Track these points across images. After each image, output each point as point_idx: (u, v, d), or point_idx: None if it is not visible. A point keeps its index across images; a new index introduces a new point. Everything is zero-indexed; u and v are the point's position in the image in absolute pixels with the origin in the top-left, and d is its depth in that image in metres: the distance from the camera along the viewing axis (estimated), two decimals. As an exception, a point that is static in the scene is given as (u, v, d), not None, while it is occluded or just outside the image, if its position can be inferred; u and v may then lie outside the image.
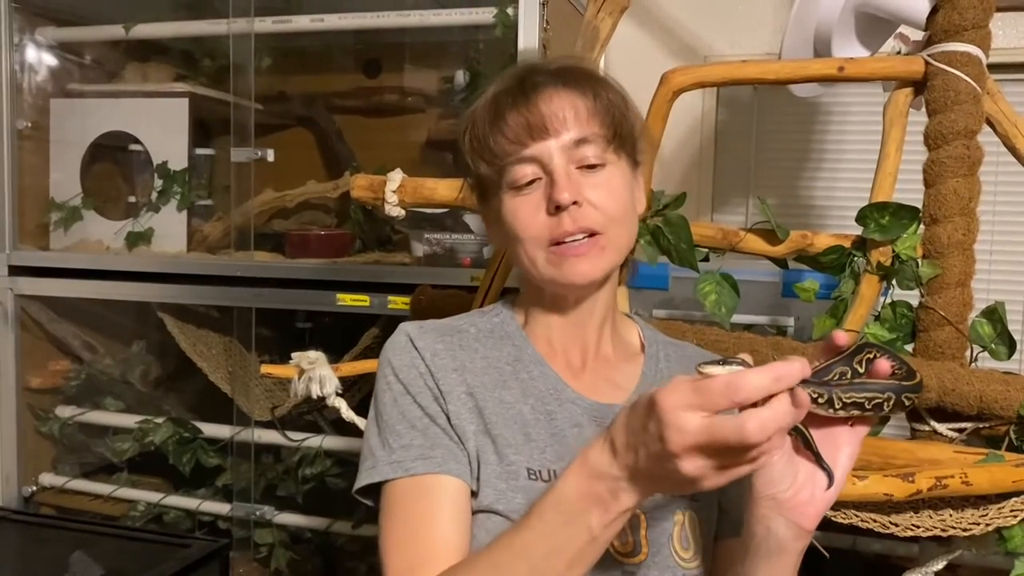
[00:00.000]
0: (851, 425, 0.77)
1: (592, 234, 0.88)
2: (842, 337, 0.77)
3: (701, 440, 0.63)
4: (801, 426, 0.75)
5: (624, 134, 0.91)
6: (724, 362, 0.68)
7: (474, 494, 0.88)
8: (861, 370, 0.78)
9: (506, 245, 0.95)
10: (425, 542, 0.83)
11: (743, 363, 0.67)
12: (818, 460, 0.76)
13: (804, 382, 0.69)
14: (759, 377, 0.63)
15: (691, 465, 0.64)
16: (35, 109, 2.36)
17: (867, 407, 0.75)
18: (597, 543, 0.71)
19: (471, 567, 0.78)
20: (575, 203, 0.87)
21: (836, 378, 0.76)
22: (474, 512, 0.87)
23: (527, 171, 0.89)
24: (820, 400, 0.73)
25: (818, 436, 0.76)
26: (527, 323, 0.99)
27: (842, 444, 0.77)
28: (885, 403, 0.75)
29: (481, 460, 0.88)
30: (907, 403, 0.76)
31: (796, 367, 0.64)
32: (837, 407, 0.74)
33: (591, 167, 0.89)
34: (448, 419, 0.89)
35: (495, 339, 0.97)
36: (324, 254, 2.18)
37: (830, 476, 0.76)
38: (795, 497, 0.76)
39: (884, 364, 0.78)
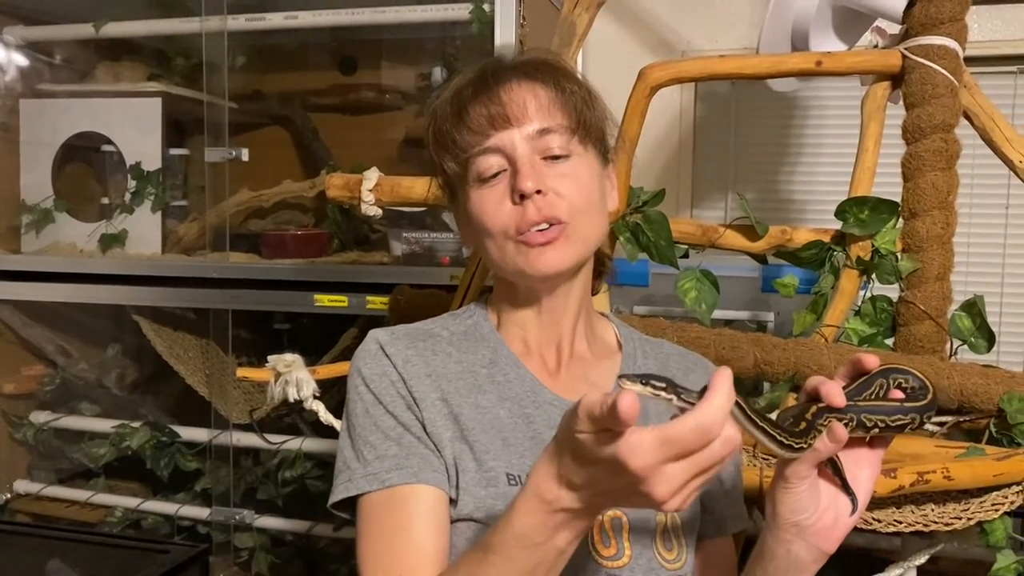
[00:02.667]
0: (871, 447, 0.78)
1: (558, 223, 0.87)
2: (872, 360, 0.78)
3: (689, 474, 0.61)
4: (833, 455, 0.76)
5: (589, 125, 0.90)
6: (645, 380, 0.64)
7: (453, 502, 0.86)
8: (883, 392, 0.79)
9: (476, 243, 0.94)
10: (402, 554, 0.82)
11: (657, 384, 0.63)
12: (845, 487, 0.77)
13: (832, 410, 0.73)
14: (718, 400, 0.60)
15: (677, 501, 0.62)
16: (4, 110, 2.33)
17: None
18: (565, 555, 0.70)
19: None
20: (539, 192, 0.86)
21: (873, 396, 0.78)
22: (453, 521, 0.86)
23: (492, 162, 0.88)
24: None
25: (842, 458, 0.77)
26: (501, 323, 0.97)
27: (863, 466, 0.78)
28: (848, 423, 0.75)
29: (459, 467, 0.86)
30: (869, 424, 0.75)
31: (728, 371, 0.61)
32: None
33: (556, 157, 0.88)
34: (423, 427, 0.88)
35: (469, 342, 0.95)
36: (301, 254, 2.15)
37: (854, 502, 0.77)
38: (818, 523, 0.78)
39: (896, 392, 0.79)
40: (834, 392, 0.74)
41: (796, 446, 0.71)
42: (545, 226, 0.86)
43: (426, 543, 0.82)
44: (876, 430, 0.76)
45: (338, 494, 0.87)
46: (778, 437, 0.70)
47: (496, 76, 0.89)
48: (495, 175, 0.88)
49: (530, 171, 0.86)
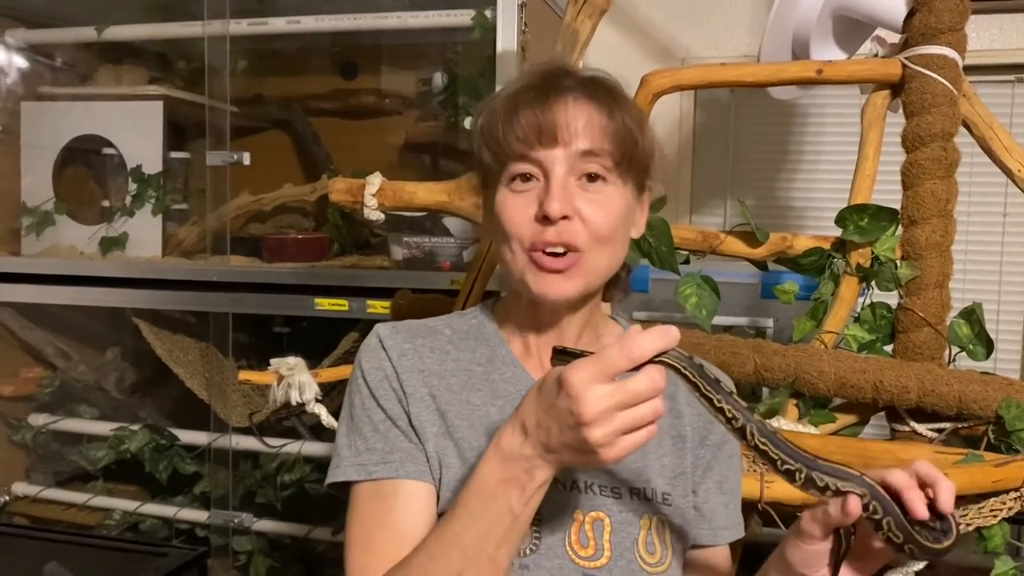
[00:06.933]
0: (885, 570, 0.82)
1: (574, 250, 0.88)
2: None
3: (613, 401, 0.69)
4: (843, 532, 0.77)
5: (634, 159, 0.90)
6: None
7: (437, 497, 0.89)
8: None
9: (493, 237, 0.95)
10: (382, 541, 0.85)
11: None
12: (835, 566, 0.78)
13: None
14: (645, 337, 0.71)
15: (599, 432, 0.69)
16: (5, 112, 2.33)
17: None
18: (519, 521, 0.76)
19: (409, 562, 0.81)
20: (565, 217, 0.87)
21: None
22: (438, 515, 0.88)
23: (527, 170, 0.89)
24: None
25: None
26: (505, 325, 0.99)
27: (874, 556, 0.80)
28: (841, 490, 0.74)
29: (443, 464, 0.89)
30: (820, 484, 0.74)
31: (674, 328, 0.72)
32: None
33: (592, 179, 0.88)
34: (409, 419, 0.90)
35: (470, 340, 0.97)
36: (302, 258, 2.16)
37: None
38: None
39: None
40: (916, 499, 0.73)
41: (741, 424, 0.75)
42: (560, 251, 0.87)
43: (407, 531, 0.86)
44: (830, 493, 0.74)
45: (330, 477, 0.92)
46: (725, 408, 0.75)
47: (557, 88, 0.89)
48: (527, 179, 0.89)
49: (560, 194, 0.86)
